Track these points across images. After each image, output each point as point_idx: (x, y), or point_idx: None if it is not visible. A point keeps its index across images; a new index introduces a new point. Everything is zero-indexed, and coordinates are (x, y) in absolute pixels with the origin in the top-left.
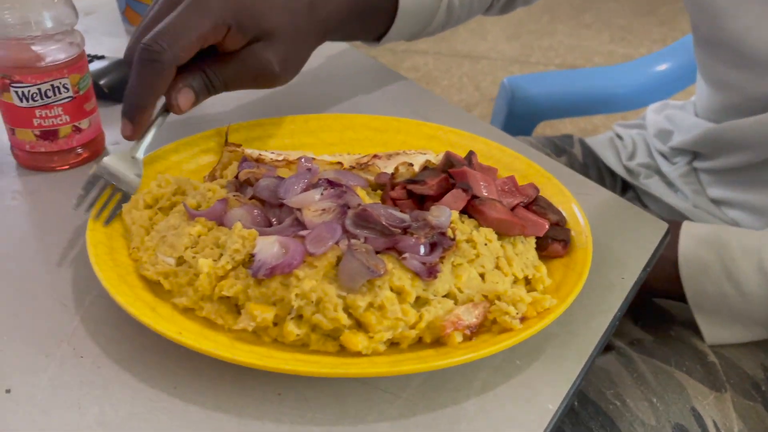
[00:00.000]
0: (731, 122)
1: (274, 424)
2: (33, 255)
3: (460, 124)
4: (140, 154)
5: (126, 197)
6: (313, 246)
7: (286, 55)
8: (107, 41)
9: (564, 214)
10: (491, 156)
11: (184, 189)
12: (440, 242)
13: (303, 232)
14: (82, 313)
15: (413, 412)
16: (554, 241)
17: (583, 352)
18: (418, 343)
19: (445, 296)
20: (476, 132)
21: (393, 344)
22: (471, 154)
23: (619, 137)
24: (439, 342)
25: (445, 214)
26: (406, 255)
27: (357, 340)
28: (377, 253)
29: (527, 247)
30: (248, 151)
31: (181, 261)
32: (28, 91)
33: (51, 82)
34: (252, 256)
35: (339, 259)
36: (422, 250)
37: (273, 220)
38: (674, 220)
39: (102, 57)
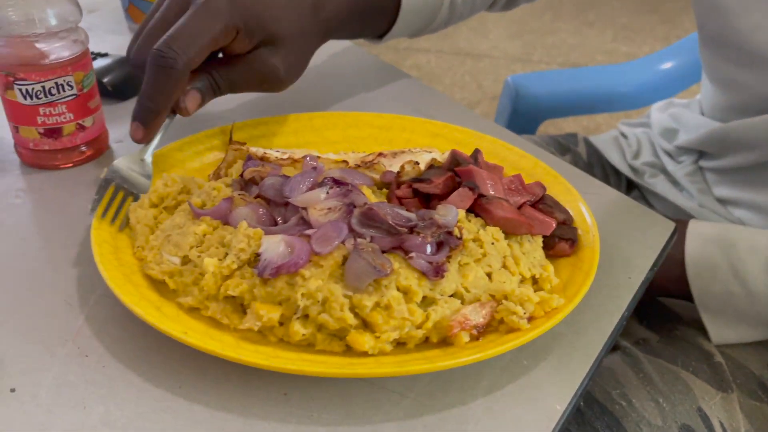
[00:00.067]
0: (738, 121)
1: (280, 424)
2: (37, 254)
3: (464, 122)
4: (149, 157)
5: (137, 199)
6: (319, 245)
7: (291, 60)
8: (110, 39)
9: (571, 212)
10: (497, 154)
11: (189, 188)
12: (447, 241)
13: (309, 231)
14: (87, 312)
15: (420, 412)
16: (561, 240)
17: (590, 352)
18: (425, 343)
19: (451, 296)
20: (481, 130)
21: (399, 344)
22: (477, 152)
23: (624, 136)
24: (445, 342)
25: (451, 212)
26: (413, 254)
27: (363, 340)
28: (383, 252)
29: (534, 246)
30: (253, 149)
31: (186, 260)
32: (32, 89)
33: (55, 80)
34: (257, 255)
35: (345, 259)
36: (429, 249)
37: (278, 219)
38: (681, 219)
39: (105, 55)
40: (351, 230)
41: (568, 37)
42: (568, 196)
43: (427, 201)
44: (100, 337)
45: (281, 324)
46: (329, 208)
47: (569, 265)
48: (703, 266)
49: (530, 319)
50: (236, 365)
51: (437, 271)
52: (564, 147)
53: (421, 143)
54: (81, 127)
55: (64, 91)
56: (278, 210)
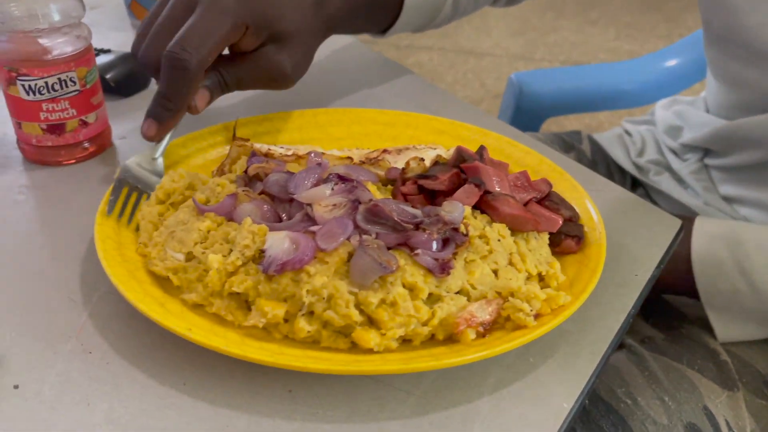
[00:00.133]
0: (745, 119)
1: (285, 422)
2: (40, 250)
3: (468, 119)
4: (160, 156)
5: (149, 198)
6: (324, 242)
7: (297, 56)
8: (113, 35)
9: (577, 209)
10: (502, 151)
11: (194, 184)
12: (453, 238)
13: (314, 228)
14: (91, 308)
15: (426, 410)
16: (567, 237)
17: (597, 350)
18: (431, 341)
19: (457, 293)
20: (485, 127)
21: (405, 341)
22: (482, 148)
23: (628, 134)
24: (451, 339)
25: (457, 209)
26: (419, 251)
27: (369, 337)
28: (389, 248)
29: (540, 243)
30: (257, 145)
31: (190, 257)
32: (35, 85)
33: (58, 76)
34: (262, 251)
35: (350, 255)
36: (435, 246)
37: (283, 215)
38: (687, 216)
39: (108, 51)
40: (356, 227)
41: (571, 36)
42: (573, 193)
43: (433, 198)
44: (104, 333)
45: (286, 321)
46: (334, 205)
47: (576, 263)
48: (709, 264)
49: (537, 316)
50: (241, 362)
51: (443, 268)
52: (568, 144)
53: (425, 140)
54: (84, 124)
55: (66, 87)
56: (283, 206)
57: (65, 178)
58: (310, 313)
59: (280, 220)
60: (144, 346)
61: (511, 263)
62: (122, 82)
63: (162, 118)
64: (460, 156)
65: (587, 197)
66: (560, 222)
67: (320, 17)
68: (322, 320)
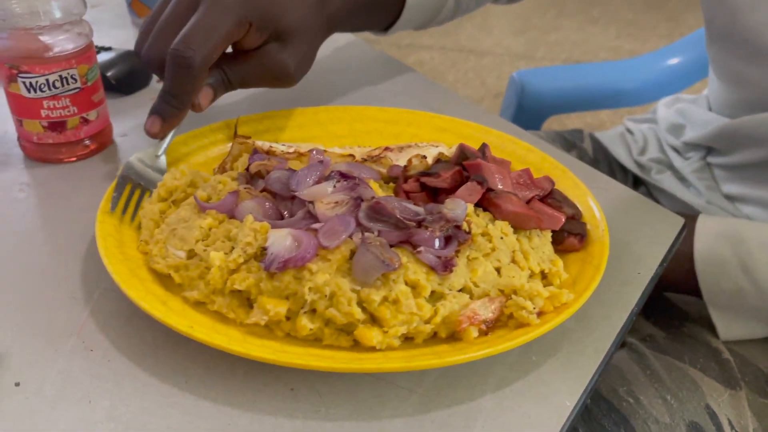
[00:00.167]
0: (747, 117)
1: (287, 420)
2: (41, 247)
3: (470, 117)
4: (163, 153)
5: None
6: (327, 239)
7: (300, 54)
8: (114, 33)
9: (579, 207)
10: (504, 149)
11: (195, 181)
12: (455, 236)
13: (316, 225)
14: (92, 306)
15: (428, 408)
16: (570, 235)
17: (600, 348)
18: (433, 338)
19: (460, 291)
20: (487, 125)
21: (407, 339)
22: (484, 146)
23: (630, 132)
24: (454, 337)
25: (460, 206)
26: (421, 248)
27: (371, 335)
28: (391, 246)
29: (543, 241)
30: (258, 143)
31: (191, 254)
32: (36, 82)
33: (59, 73)
34: (264, 249)
35: (352, 253)
36: (437, 243)
37: (285, 212)
38: (689, 214)
39: (109, 48)
40: (358, 224)
41: (572, 34)
42: (576, 191)
43: (435, 195)
44: (105, 331)
45: (288, 318)
46: (336, 202)
47: (578, 260)
48: (712, 262)
49: (540, 314)
50: (243, 360)
51: (446, 266)
52: (569, 143)
53: (427, 137)
54: (85, 121)
55: (68, 84)
56: (284, 204)
57: (66, 176)
58: (312, 311)
59: (282, 217)
60: (145, 343)
61: (513, 261)
62: (123, 79)
63: (166, 115)
64: (463, 153)
65: (590, 195)
66: (563, 220)
67: (322, 15)
68: (324, 318)
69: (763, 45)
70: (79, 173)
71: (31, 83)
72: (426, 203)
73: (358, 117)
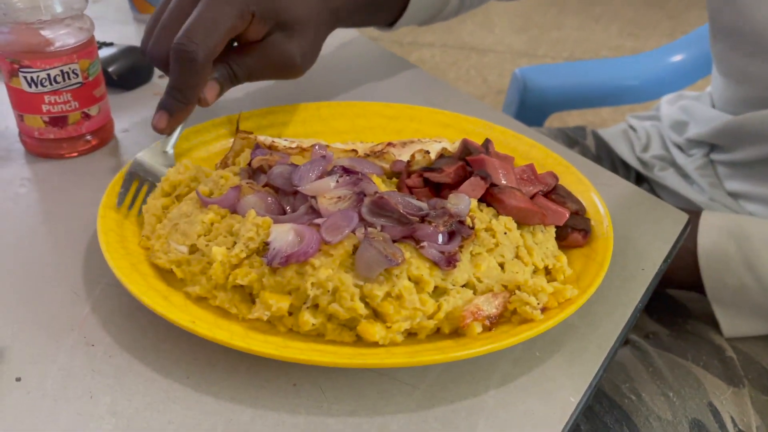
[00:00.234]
0: (751, 114)
1: (290, 415)
2: (42, 243)
3: (473, 113)
4: (171, 149)
5: None
6: (329, 234)
7: (305, 45)
8: (116, 29)
9: (583, 203)
10: (507, 144)
11: (198, 176)
12: (459, 231)
13: (318, 220)
14: (93, 301)
15: (431, 404)
16: (574, 231)
17: (604, 345)
18: (436, 334)
19: (464, 286)
20: (490, 121)
21: (411, 335)
22: (488, 141)
23: (633, 129)
24: (457, 333)
25: (464, 201)
26: (424, 244)
27: (374, 330)
28: (394, 241)
29: (547, 237)
30: (261, 138)
31: (193, 249)
32: (37, 77)
33: (60, 68)
34: (266, 244)
35: (355, 248)
36: (440, 238)
37: (287, 207)
38: (693, 210)
39: (111, 44)
40: (361, 219)
41: (574, 32)
42: (580, 187)
43: (438, 190)
44: (107, 326)
45: (290, 314)
46: (339, 197)
47: (582, 256)
48: (715, 258)
49: (543, 310)
50: (245, 355)
51: (449, 261)
52: (572, 140)
53: (430, 133)
54: (86, 116)
55: (69, 79)
56: (287, 199)
57: (67, 171)
58: (315, 306)
59: (284, 212)
60: (147, 339)
61: (517, 256)
62: (125, 75)
63: (172, 110)
64: (466, 149)
65: (593, 191)
66: (567, 215)
67: (327, 8)
68: (326, 313)
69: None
70: (81, 168)
71: (32, 78)
72: (429, 198)
73: (360, 113)
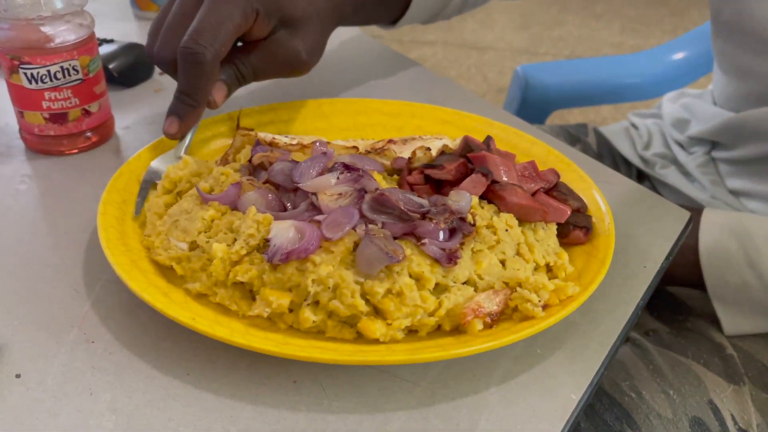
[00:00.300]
0: (754, 111)
1: (290, 412)
2: (43, 239)
3: (474, 110)
4: (184, 153)
5: None
6: (330, 231)
7: (310, 41)
8: (116, 25)
9: (585, 200)
10: (508, 141)
11: (201, 172)
12: (460, 228)
13: (319, 217)
14: (93, 298)
15: (432, 401)
16: (576, 228)
17: (605, 342)
18: (437, 331)
19: (465, 283)
20: (491, 118)
21: (411, 332)
22: (489, 138)
23: (634, 127)
24: (458, 330)
25: (465, 198)
26: (425, 241)
27: (375, 328)
28: (395, 238)
29: (548, 234)
30: (261, 134)
31: (194, 246)
32: (38, 73)
33: (60, 64)
34: (267, 241)
35: (356, 245)
36: (441, 235)
37: (287, 204)
38: (695, 208)
39: (111, 41)
40: (362, 216)
41: (575, 30)
42: (581, 184)
43: (439, 187)
44: (107, 323)
45: (291, 311)
46: (340, 194)
47: (584, 254)
48: (717, 256)
49: (545, 307)
50: (245, 352)
51: (450, 258)
52: (574, 137)
53: (431, 130)
54: (86, 113)
55: (69, 75)
56: (287, 195)
57: (68, 168)
58: (316, 303)
59: (285, 209)
60: (147, 336)
61: (518, 254)
62: (125, 72)
63: (183, 115)
64: (467, 146)
65: (595, 188)
66: (568, 212)
67: (330, 4)
68: (327, 310)
69: None
70: (81, 165)
71: (32, 74)
72: (430, 195)
73: (361, 109)
